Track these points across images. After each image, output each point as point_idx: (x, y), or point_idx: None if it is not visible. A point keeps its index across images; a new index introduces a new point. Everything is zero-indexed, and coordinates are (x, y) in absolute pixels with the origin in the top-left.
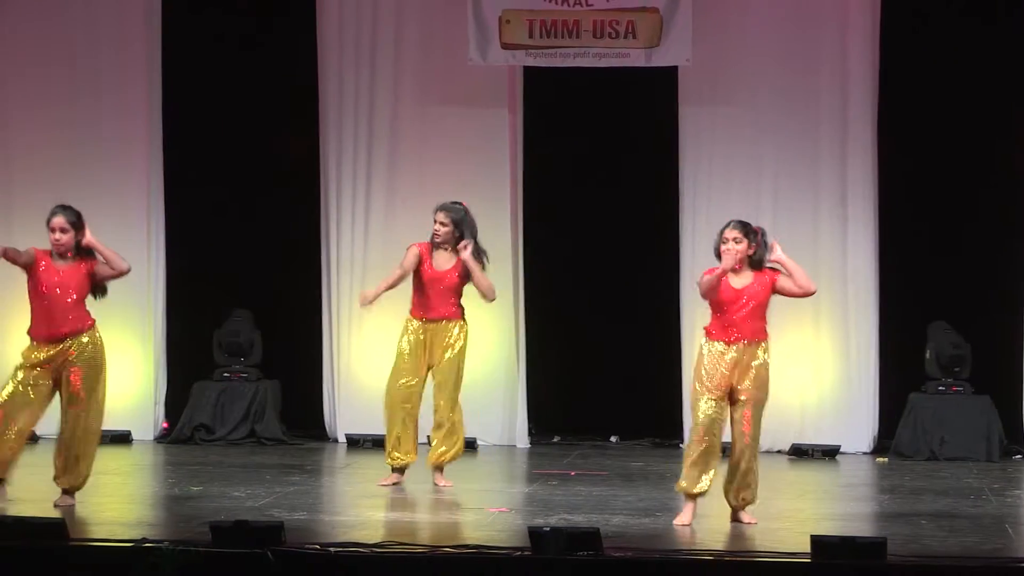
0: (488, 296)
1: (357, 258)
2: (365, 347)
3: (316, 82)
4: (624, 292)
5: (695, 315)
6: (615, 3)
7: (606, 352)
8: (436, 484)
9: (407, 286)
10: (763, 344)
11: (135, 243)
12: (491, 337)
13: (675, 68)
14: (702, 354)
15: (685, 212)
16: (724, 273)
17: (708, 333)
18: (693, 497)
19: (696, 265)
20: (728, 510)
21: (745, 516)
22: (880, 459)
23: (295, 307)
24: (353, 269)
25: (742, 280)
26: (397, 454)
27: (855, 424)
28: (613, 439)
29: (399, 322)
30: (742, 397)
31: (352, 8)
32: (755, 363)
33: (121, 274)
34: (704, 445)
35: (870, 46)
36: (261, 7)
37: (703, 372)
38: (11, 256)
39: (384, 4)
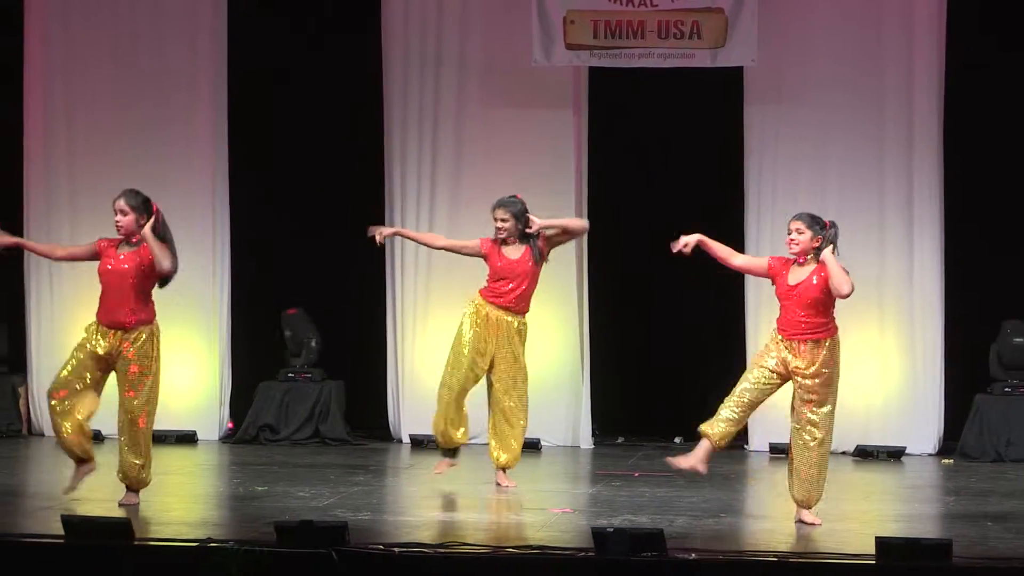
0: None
1: (421, 259)
2: (429, 347)
3: (381, 83)
4: (689, 292)
5: (760, 315)
6: (680, 3)
7: (670, 353)
8: (500, 484)
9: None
10: (825, 342)
11: (201, 244)
12: (555, 338)
13: (740, 68)
14: (769, 340)
15: (750, 213)
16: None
17: (777, 327)
18: (708, 437)
19: None
20: (792, 511)
21: (808, 516)
22: (945, 461)
23: (360, 307)
24: (417, 270)
25: (799, 275)
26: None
27: (920, 425)
28: (677, 440)
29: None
30: (805, 394)
31: (417, 11)
32: (817, 361)
33: (162, 274)
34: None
35: (936, 45)
36: (326, 10)
37: (767, 346)
38: (36, 249)
39: (448, 7)
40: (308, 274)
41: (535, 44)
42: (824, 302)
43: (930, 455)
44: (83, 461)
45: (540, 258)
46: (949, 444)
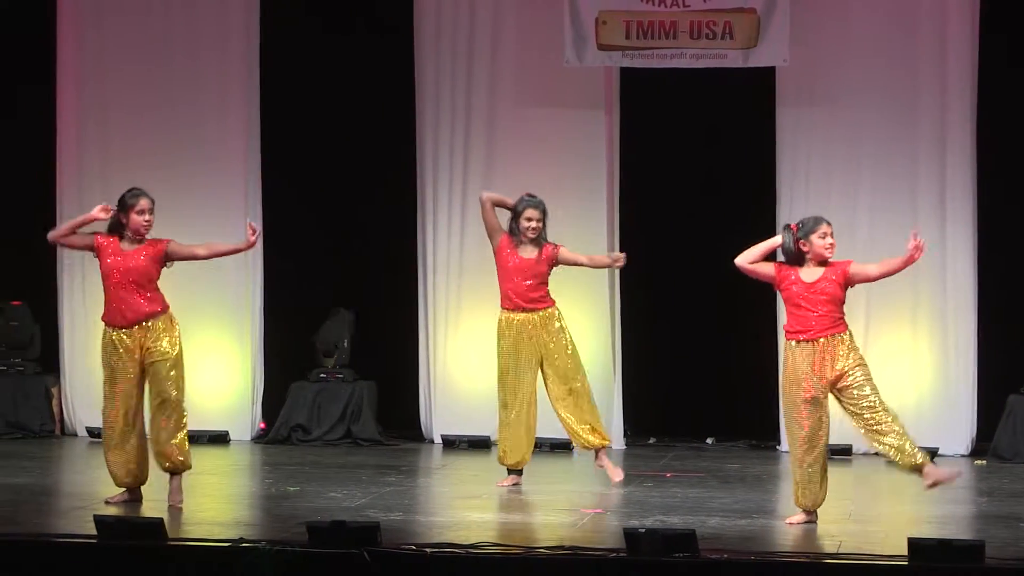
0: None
1: (453, 259)
2: (461, 348)
3: (413, 83)
4: (721, 293)
5: None
6: (712, 4)
7: (702, 353)
8: (601, 466)
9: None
10: (845, 333)
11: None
12: (587, 337)
13: (772, 69)
14: (785, 358)
15: (782, 212)
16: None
17: (786, 333)
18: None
19: None
20: (828, 511)
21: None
22: (978, 461)
23: (391, 308)
24: (449, 270)
25: (813, 274)
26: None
27: (953, 426)
28: (709, 441)
29: (496, 323)
30: (848, 383)
31: (449, 10)
32: (850, 350)
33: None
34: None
35: (969, 45)
36: (358, 9)
37: (787, 379)
38: (68, 240)
39: (481, 7)
40: (340, 274)
41: (567, 44)
42: (842, 298)
43: (963, 456)
44: (133, 489)
45: (549, 268)
46: (982, 445)
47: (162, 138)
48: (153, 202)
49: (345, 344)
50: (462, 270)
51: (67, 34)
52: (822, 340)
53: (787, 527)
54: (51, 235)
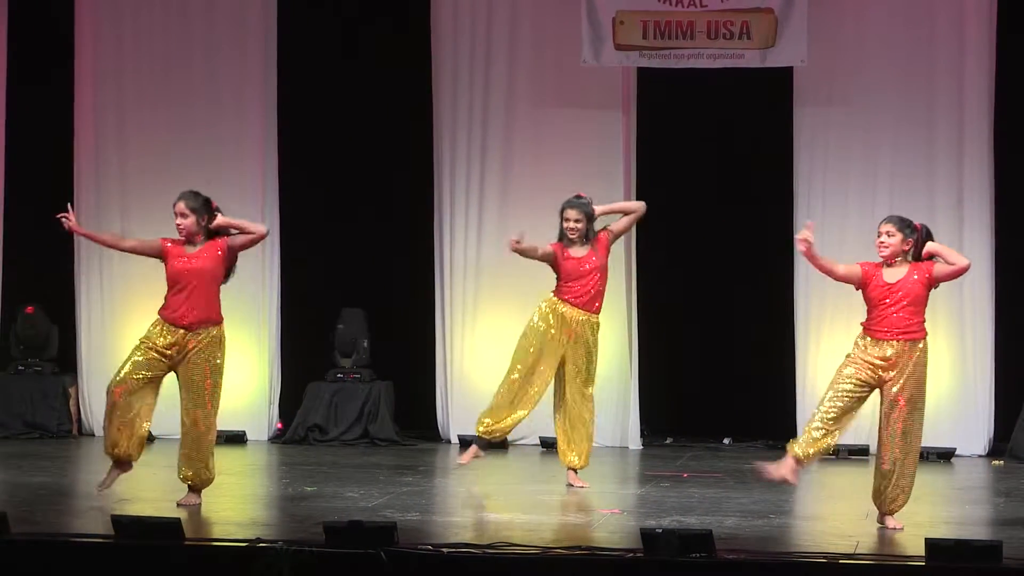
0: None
1: (471, 259)
2: (478, 348)
3: (430, 83)
4: (738, 293)
5: (809, 316)
6: (730, 4)
7: (719, 353)
8: (571, 485)
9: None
10: (920, 343)
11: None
12: (604, 338)
13: (790, 69)
14: (855, 344)
15: (799, 212)
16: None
17: (864, 329)
18: (795, 458)
19: (810, 266)
20: (844, 511)
21: (891, 522)
22: (996, 462)
23: (409, 308)
24: (467, 270)
25: (896, 274)
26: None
27: (970, 427)
28: (726, 441)
29: (512, 323)
30: (896, 397)
31: (467, 10)
32: (911, 361)
33: (260, 236)
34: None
35: (986, 45)
36: (376, 9)
37: (850, 355)
38: (103, 240)
39: (498, 6)
40: (358, 274)
41: (584, 44)
42: (924, 300)
43: (980, 456)
44: (122, 463)
45: (606, 254)
46: (999, 445)
47: (179, 137)
48: (186, 203)
49: (364, 344)
50: (479, 270)
51: (85, 34)
52: (895, 343)
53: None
54: (110, 242)
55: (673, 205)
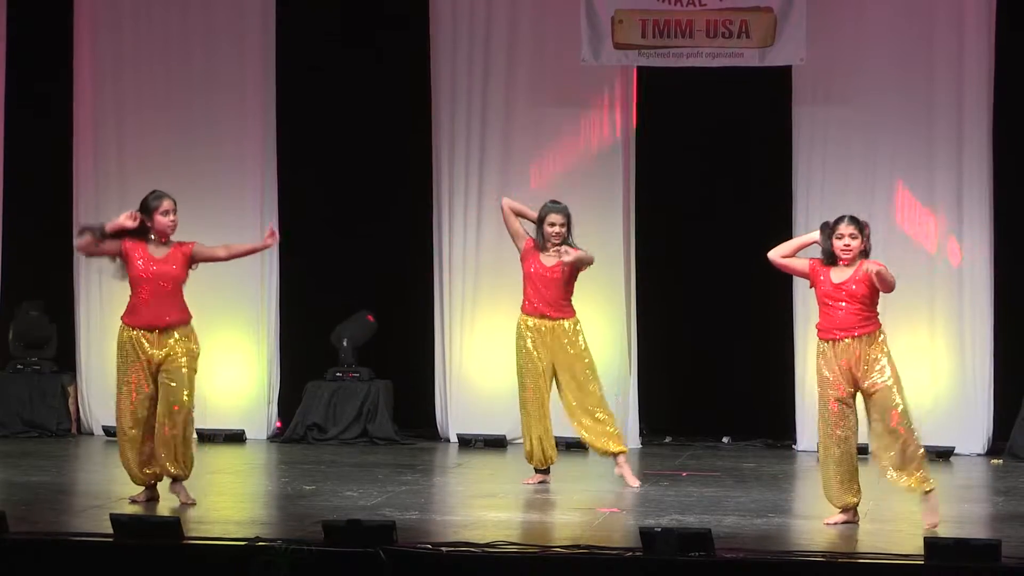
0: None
1: (470, 258)
2: (477, 347)
3: (429, 82)
4: (737, 292)
5: (808, 314)
6: (728, 3)
7: (718, 352)
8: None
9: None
10: (877, 333)
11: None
12: (603, 337)
13: (789, 68)
14: (818, 353)
15: (799, 212)
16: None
17: (819, 332)
18: (846, 509)
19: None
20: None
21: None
22: (995, 461)
23: (408, 307)
24: (465, 269)
25: (843, 274)
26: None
27: (970, 425)
28: (725, 440)
29: (512, 323)
30: (872, 390)
31: (465, 9)
32: (874, 351)
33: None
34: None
35: (985, 44)
36: (375, 7)
37: (822, 374)
38: (92, 248)
39: (497, 6)
40: (356, 273)
41: (583, 43)
42: (873, 297)
43: (979, 455)
44: (149, 489)
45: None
46: (998, 444)
47: (179, 135)
48: (175, 202)
49: (361, 343)
50: (478, 269)
51: (84, 33)
52: (847, 340)
53: (823, 527)
54: (78, 245)
55: (671, 204)
